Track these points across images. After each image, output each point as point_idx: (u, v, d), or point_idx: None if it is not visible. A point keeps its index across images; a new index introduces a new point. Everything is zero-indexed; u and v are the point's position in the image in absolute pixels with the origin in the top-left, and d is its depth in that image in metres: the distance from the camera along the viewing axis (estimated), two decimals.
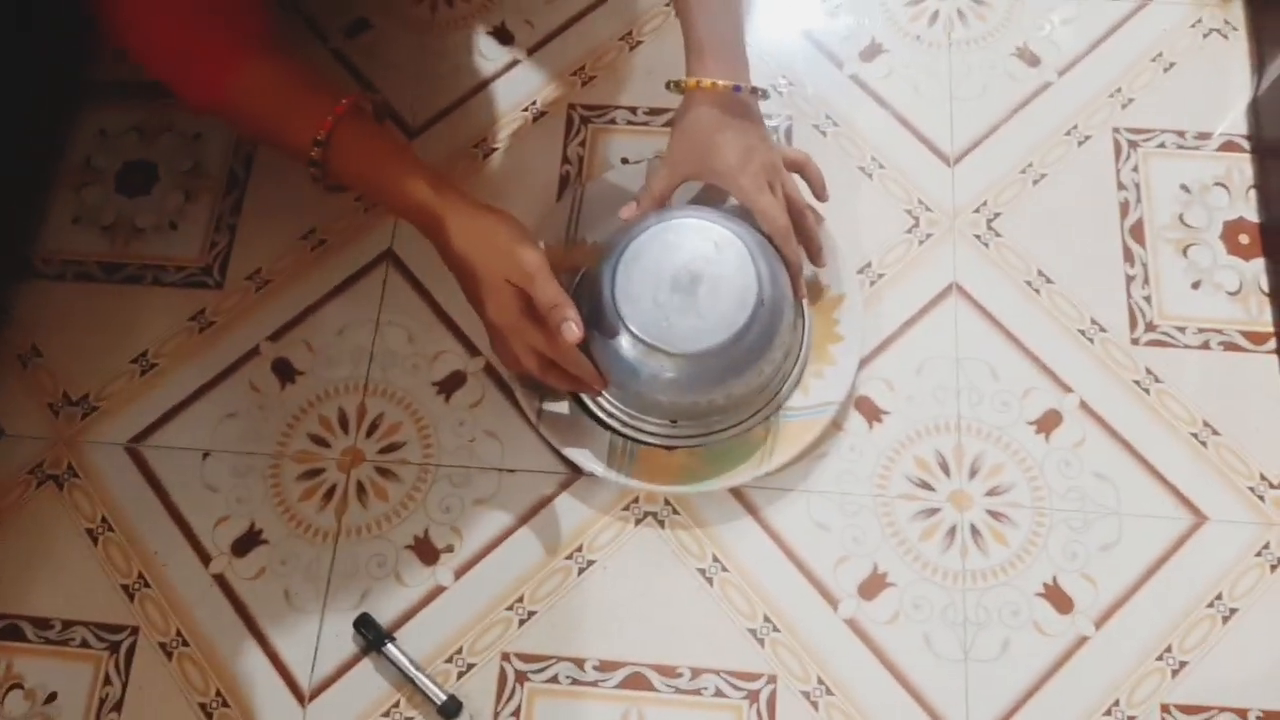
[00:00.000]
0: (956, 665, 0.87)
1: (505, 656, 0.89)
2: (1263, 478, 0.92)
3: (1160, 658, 0.87)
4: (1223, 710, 0.85)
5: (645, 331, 0.85)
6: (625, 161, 1.04)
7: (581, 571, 0.91)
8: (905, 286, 0.99)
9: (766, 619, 0.89)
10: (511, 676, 0.88)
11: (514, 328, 0.84)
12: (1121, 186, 1.02)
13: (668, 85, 0.90)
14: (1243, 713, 0.85)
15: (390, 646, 0.88)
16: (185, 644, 0.90)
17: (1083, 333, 0.97)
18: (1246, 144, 1.04)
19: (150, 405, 0.98)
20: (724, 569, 0.91)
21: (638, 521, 0.92)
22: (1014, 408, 0.95)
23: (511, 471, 0.94)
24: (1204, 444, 0.93)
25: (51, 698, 0.89)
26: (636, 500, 0.93)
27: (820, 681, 0.87)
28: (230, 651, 0.90)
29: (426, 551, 0.92)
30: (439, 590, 0.91)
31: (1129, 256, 1.00)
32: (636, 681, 0.88)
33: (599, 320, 0.86)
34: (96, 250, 1.04)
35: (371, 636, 0.88)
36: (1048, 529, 0.91)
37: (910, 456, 0.93)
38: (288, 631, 0.90)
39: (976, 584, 0.89)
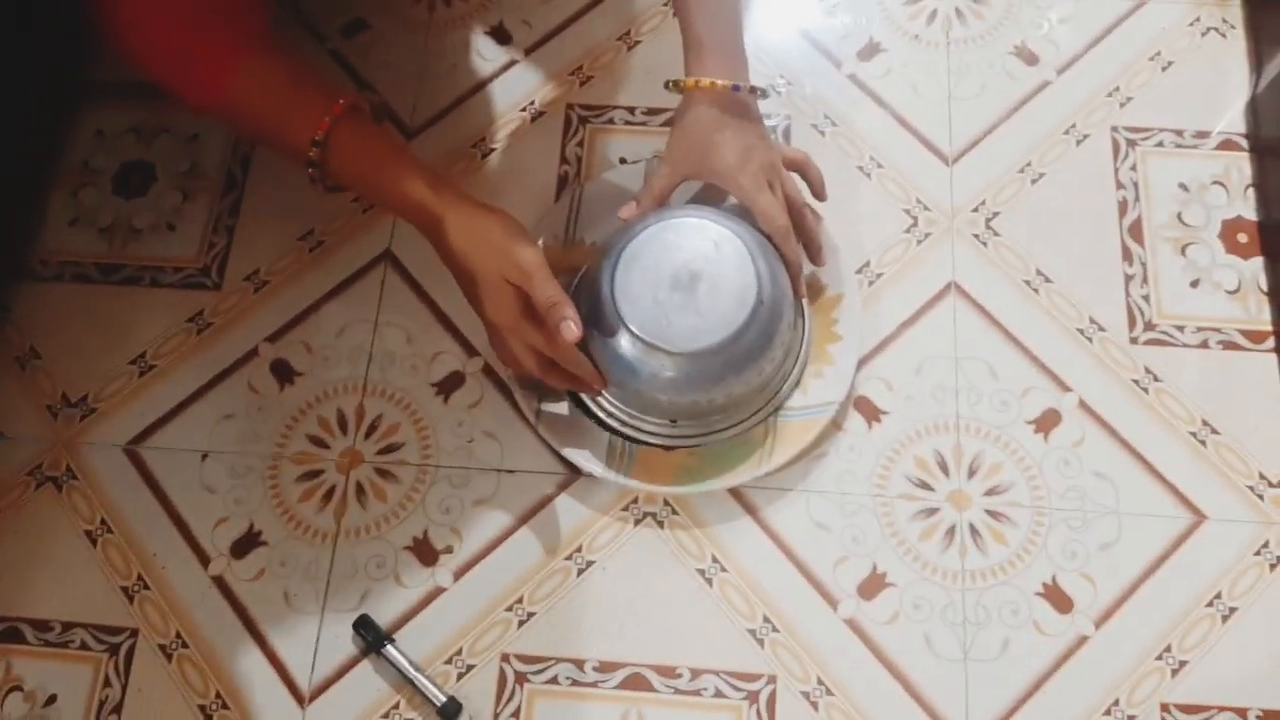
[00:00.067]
0: (956, 665, 0.87)
1: (505, 657, 0.89)
2: (1262, 476, 0.92)
3: (1160, 657, 0.87)
4: (1222, 710, 0.85)
5: (644, 330, 0.85)
6: (624, 161, 1.04)
7: (581, 572, 0.91)
8: (904, 286, 0.99)
9: (766, 619, 0.89)
10: (511, 677, 0.88)
11: (513, 327, 0.84)
12: (1120, 185, 1.02)
13: (666, 85, 0.90)
14: (1242, 712, 0.85)
15: (390, 648, 0.88)
16: (185, 646, 0.90)
17: (1081, 332, 0.97)
18: (1245, 143, 1.04)
19: (149, 407, 0.98)
20: (723, 569, 0.91)
21: (637, 522, 0.92)
22: (1013, 407, 0.95)
23: (510, 472, 0.94)
24: (1203, 443, 0.93)
25: (51, 700, 0.89)
26: (636, 501, 0.93)
27: (820, 682, 0.87)
28: (230, 653, 0.90)
29: (426, 552, 0.92)
30: (438, 591, 0.91)
31: (1128, 255, 1.00)
32: (636, 682, 0.88)
33: (598, 319, 0.86)
34: (94, 251, 1.04)
35: (371, 638, 0.88)
36: (1047, 528, 0.91)
37: (909, 456, 0.93)
38: (287, 633, 0.90)
39: (976, 584, 0.89)
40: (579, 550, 0.92)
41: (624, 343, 0.86)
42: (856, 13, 1.11)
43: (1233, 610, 0.88)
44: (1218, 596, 0.88)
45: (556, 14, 1.12)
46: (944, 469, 0.93)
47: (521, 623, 0.90)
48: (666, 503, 0.93)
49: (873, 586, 0.90)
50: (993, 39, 1.10)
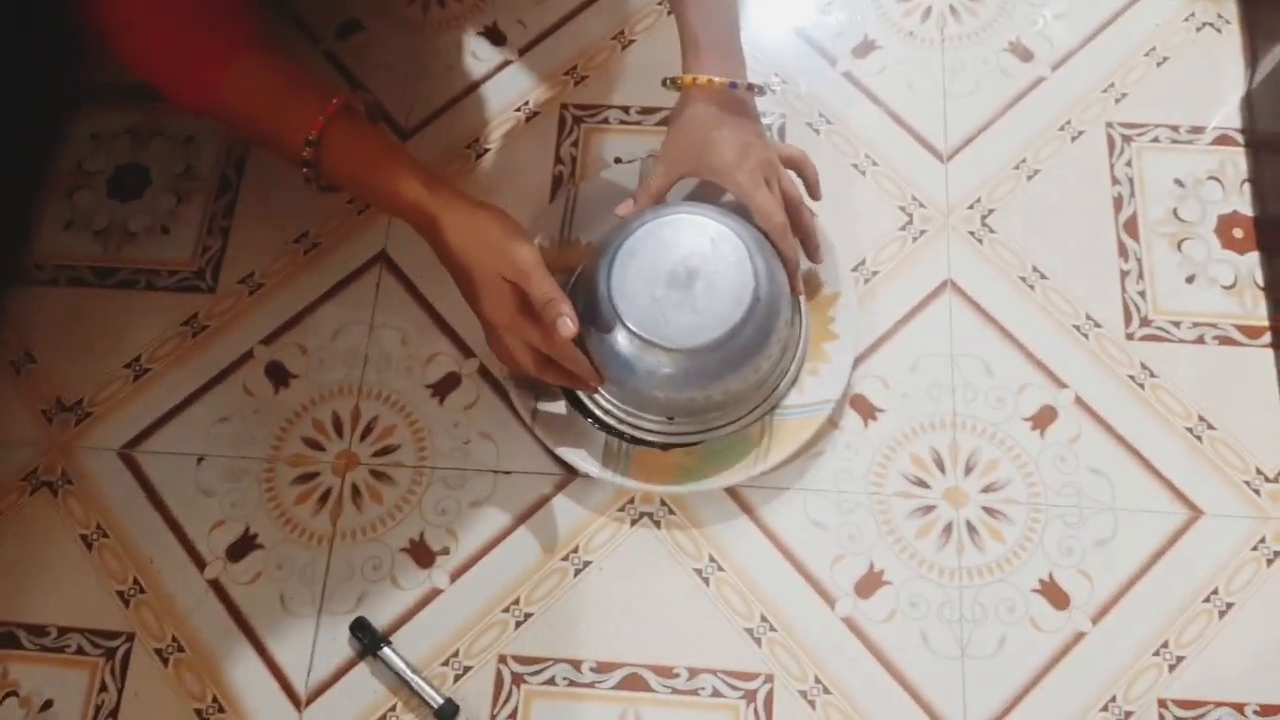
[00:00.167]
0: (953, 662, 0.87)
1: (502, 659, 0.89)
2: (1258, 472, 0.92)
3: (1157, 653, 0.87)
4: (1220, 705, 0.85)
5: (641, 327, 0.85)
6: (618, 161, 1.04)
7: (578, 573, 0.91)
8: (899, 283, 0.99)
9: (763, 618, 0.89)
10: (508, 678, 0.88)
11: (510, 324, 0.84)
12: (1115, 181, 1.02)
13: (664, 82, 0.90)
14: (1240, 707, 0.85)
15: (386, 650, 0.88)
16: (181, 650, 0.90)
17: (1077, 328, 0.97)
18: (1240, 138, 1.04)
19: (144, 410, 0.98)
20: (720, 569, 0.91)
21: (634, 522, 0.92)
22: (1009, 404, 0.95)
23: (507, 473, 0.94)
24: (1199, 438, 0.93)
25: (47, 705, 0.89)
26: (632, 501, 0.93)
27: (817, 680, 0.87)
28: (226, 657, 0.90)
29: (422, 554, 0.92)
30: (435, 593, 0.91)
31: (1123, 251, 1.00)
32: (634, 682, 0.88)
33: (595, 316, 0.86)
34: (89, 255, 1.04)
35: (368, 640, 0.88)
36: (1043, 525, 0.90)
37: (906, 454, 0.93)
38: (284, 636, 0.90)
39: (973, 581, 0.89)
40: (576, 551, 0.92)
41: (621, 340, 0.85)
42: (851, 10, 1.11)
43: (1230, 605, 0.88)
44: (1214, 592, 0.88)
45: (550, 13, 1.12)
46: (940, 466, 0.93)
47: (519, 624, 0.90)
48: (663, 502, 0.93)
49: (870, 585, 0.90)
50: (987, 35, 1.09)
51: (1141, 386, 0.95)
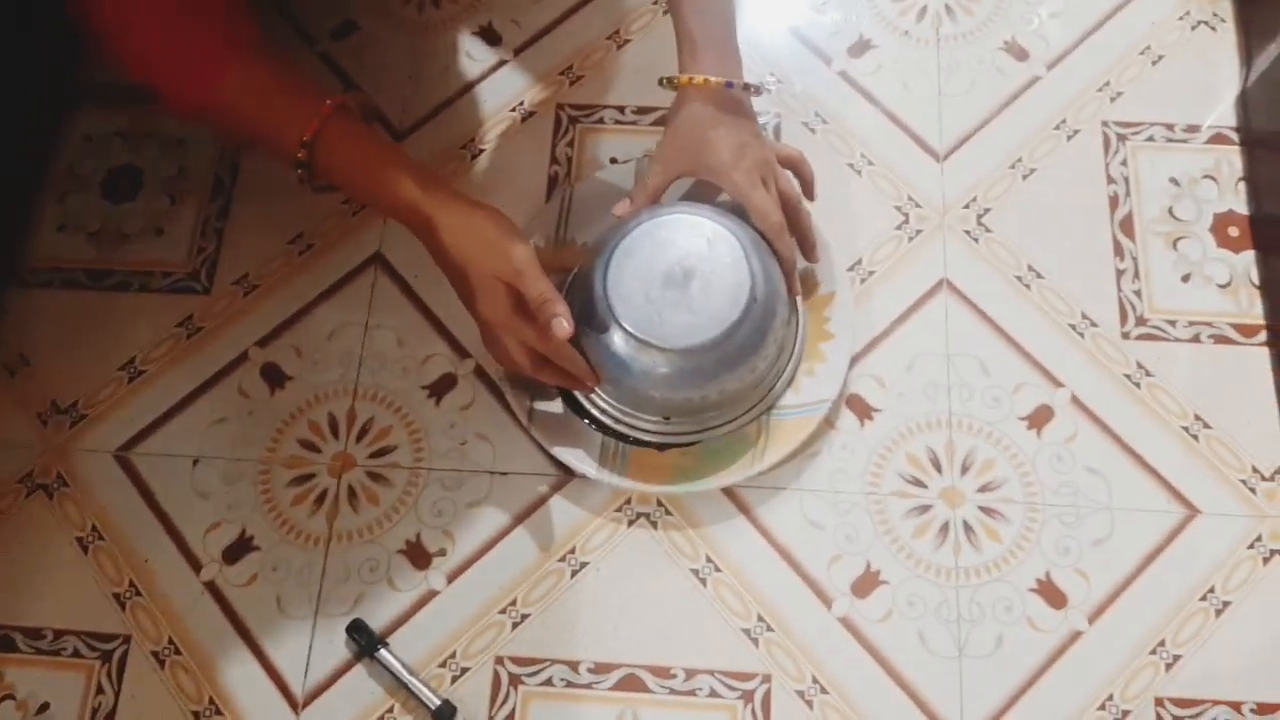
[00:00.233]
0: (950, 662, 0.87)
1: (499, 660, 0.89)
2: (1254, 470, 0.92)
3: (1154, 652, 0.87)
4: (1217, 703, 0.85)
5: (637, 327, 0.85)
6: (614, 161, 1.04)
7: (575, 574, 0.91)
8: (895, 283, 0.99)
9: (760, 619, 0.89)
10: (506, 680, 0.88)
11: (505, 324, 0.84)
12: (1111, 180, 1.02)
13: (660, 82, 0.90)
14: (1237, 705, 0.85)
15: (383, 652, 0.88)
16: (177, 652, 0.90)
17: (1073, 327, 0.97)
18: (1235, 136, 1.04)
19: (139, 412, 0.98)
20: (717, 569, 0.90)
21: (630, 523, 0.92)
22: (1005, 403, 0.95)
23: (503, 474, 0.94)
24: (1195, 437, 0.93)
25: (44, 708, 0.89)
26: (629, 501, 0.93)
27: (815, 680, 0.87)
28: (223, 659, 0.90)
29: (418, 556, 0.92)
30: (432, 594, 0.91)
31: (1119, 250, 1.00)
32: (631, 683, 0.88)
33: (591, 316, 0.86)
34: (83, 257, 1.04)
35: (364, 642, 0.88)
36: (1040, 524, 0.90)
37: (902, 453, 0.93)
38: (280, 638, 0.90)
39: (970, 580, 0.89)
40: (572, 552, 0.92)
41: (617, 340, 0.85)
42: (846, 9, 1.11)
43: (1226, 604, 0.88)
44: (1211, 590, 0.88)
45: (546, 13, 1.12)
46: (937, 466, 0.93)
47: (515, 625, 0.90)
48: (660, 503, 0.93)
49: (866, 584, 0.90)
50: (982, 35, 1.09)
51: (1137, 385, 0.95)
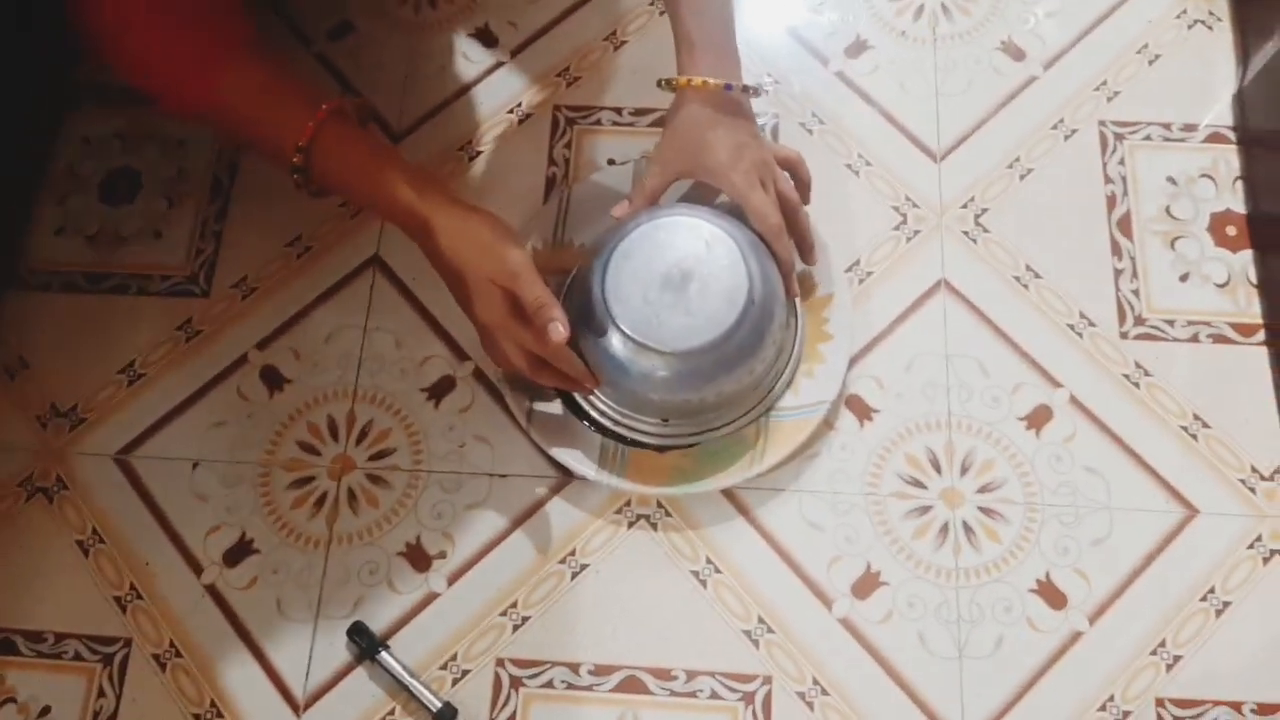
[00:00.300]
0: (951, 663, 0.87)
1: (500, 662, 0.89)
2: (1253, 470, 0.92)
3: (1154, 652, 0.87)
4: (1218, 704, 0.85)
5: (635, 330, 0.85)
6: (612, 163, 1.04)
7: (575, 575, 0.91)
8: (894, 284, 0.99)
9: (760, 620, 0.89)
10: (506, 682, 0.88)
11: (502, 327, 0.84)
12: (1108, 180, 1.02)
13: (659, 83, 0.90)
14: (1237, 705, 0.85)
15: (384, 654, 0.88)
16: (178, 655, 0.90)
17: (1072, 327, 0.97)
18: (1232, 135, 1.04)
19: (138, 415, 0.98)
20: (717, 570, 0.91)
21: (630, 524, 0.92)
22: (1004, 403, 0.95)
23: (503, 476, 0.94)
24: (1194, 437, 0.93)
25: (45, 711, 0.89)
26: (629, 503, 0.93)
27: (815, 682, 0.87)
28: (224, 662, 0.90)
29: (418, 558, 0.92)
30: (432, 597, 0.91)
31: (1117, 250, 1.00)
32: (632, 685, 0.88)
33: (589, 318, 0.86)
34: (82, 260, 1.04)
35: (365, 644, 0.88)
36: (1039, 525, 0.91)
37: (901, 454, 0.93)
38: (281, 641, 0.90)
39: (969, 581, 0.89)
40: (572, 553, 0.92)
41: (615, 342, 0.86)
42: (843, 10, 1.11)
43: (1226, 604, 0.88)
44: (1211, 591, 0.88)
45: (542, 15, 1.12)
46: (936, 467, 0.93)
47: (516, 627, 0.90)
48: (659, 505, 0.93)
49: (866, 585, 0.90)
50: (979, 35, 1.09)
51: (1136, 385, 0.95)
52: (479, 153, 1.06)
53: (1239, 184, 1.02)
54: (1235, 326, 0.97)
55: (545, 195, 1.03)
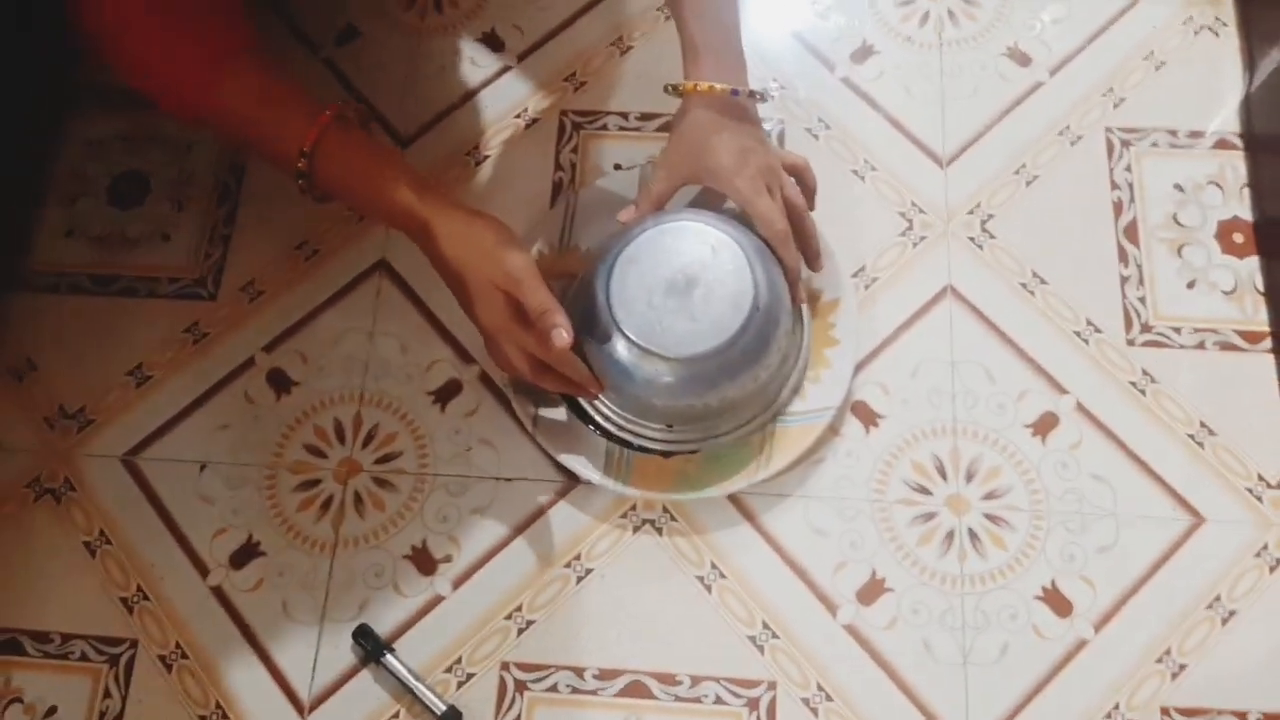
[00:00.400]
0: (956, 670, 0.87)
1: (504, 666, 0.89)
2: (1260, 478, 0.92)
3: (1160, 660, 0.87)
4: (1223, 713, 0.85)
5: (640, 335, 0.85)
6: (618, 167, 1.04)
7: (580, 580, 0.91)
8: (899, 290, 0.99)
9: (765, 625, 0.89)
10: (511, 686, 0.88)
11: (505, 331, 0.84)
12: (1115, 186, 1.02)
13: (666, 88, 0.90)
14: (1243, 714, 0.85)
15: (389, 657, 0.88)
16: (184, 656, 0.90)
17: (1078, 334, 0.97)
18: (1239, 141, 1.04)
19: (145, 418, 0.98)
20: (722, 576, 0.91)
21: (635, 529, 0.92)
22: (1010, 410, 0.95)
23: (508, 480, 0.94)
24: (1201, 445, 0.93)
25: (51, 711, 0.89)
26: (634, 508, 0.93)
27: (820, 688, 0.87)
28: (229, 664, 0.90)
29: (424, 561, 0.92)
30: (437, 600, 0.91)
31: (1123, 257, 1.00)
32: (636, 690, 0.88)
33: (594, 323, 0.86)
34: (89, 262, 1.04)
35: (370, 647, 0.88)
36: (1045, 532, 0.91)
37: (907, 461, 0.93)
38: (286, 643, 0.90)
39: (975, 588, 0.89)
40: (578, 558, 0.92)
41: (620, 347, 0.86)
42: (849, 15, 1.11)
43: (1232, 613, 0.88)
44: (1217, 599, 0.88)
45: (549, 19, 1.12)
46: (942, 473, 0.93)
47: (521, 631, 0.90)
48: (665, 510, 0.93)
49: (871, 592, 0.90)
50: (985, 40, 1.09)
51: (1142, 392, 0.95)
52: (485, 157, 1.06)
53: (1246, 191, 1.02)
54: (1242, 334, 0.97)
55: (551, 200, 1.04)
